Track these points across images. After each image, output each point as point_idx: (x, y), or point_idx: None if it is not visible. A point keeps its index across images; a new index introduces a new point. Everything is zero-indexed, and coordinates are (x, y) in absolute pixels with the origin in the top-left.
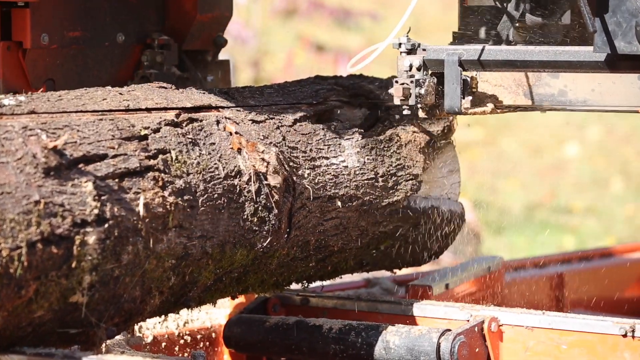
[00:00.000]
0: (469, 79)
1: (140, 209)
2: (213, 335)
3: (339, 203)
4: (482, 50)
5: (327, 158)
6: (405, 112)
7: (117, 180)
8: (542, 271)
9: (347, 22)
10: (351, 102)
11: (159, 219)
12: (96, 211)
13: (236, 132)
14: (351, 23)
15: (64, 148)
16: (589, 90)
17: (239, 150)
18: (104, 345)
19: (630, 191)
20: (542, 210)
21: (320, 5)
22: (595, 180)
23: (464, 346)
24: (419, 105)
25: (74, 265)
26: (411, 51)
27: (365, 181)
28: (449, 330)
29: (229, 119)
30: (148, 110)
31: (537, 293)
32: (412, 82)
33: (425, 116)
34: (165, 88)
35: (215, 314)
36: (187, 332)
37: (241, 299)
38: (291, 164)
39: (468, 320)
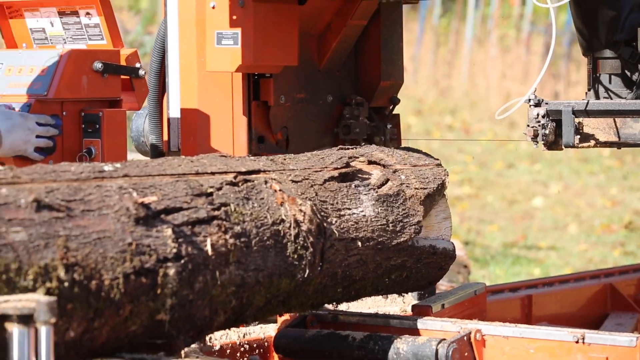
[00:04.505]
0: (576, 124)
1: (208, 249)
2: (266, 344)
3: (359, 243)
4: (588, 103)
5: (349, 209)
6: (535, 147)
7: (190, 226)
8: (515, 294)
9: None
10: (368, 166)
11: (222, 256)
12: (174, 250)
13: (280, 190)
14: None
15: (150, 203)
16: None
17: (282, 204)
18: (182, 352)
19: (583, 233)
20: (516, 248)
21: None
22: (556, 225)
23: (456, 352)
24: (542, 142)
25: (158, 291)
26: (537, 104)
27: (379, 226)
28: (445, 339)
29: (274, 179)
30: (212, 173)
31: (511, 311)
32: (539, 125)
33: (547, 149)
34: (225, 157)
35: (267, 328)
36: (246, 342)
37: (286, 316)
38: (322, 213)
39: (459, 332)
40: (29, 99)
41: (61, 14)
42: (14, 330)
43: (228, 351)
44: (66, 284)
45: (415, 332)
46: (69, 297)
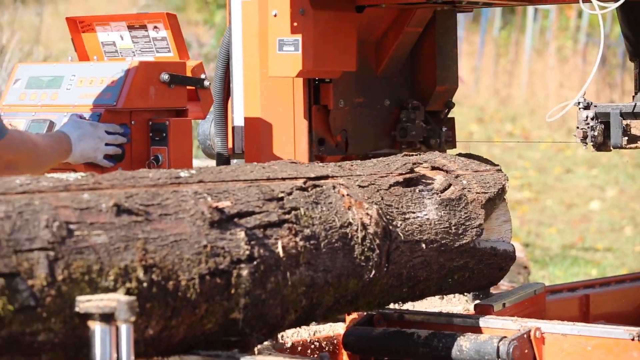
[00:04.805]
0: (624, 125)
1: (279, 251)
2: (335, 342)
3: (423, 245)
4: (635, 105)
5: (413, 212)
6: (584, 148)
7: (262, 229)
8: (573, 294)
9: None
10: (431, 172)
11: (293, 257)
12: (247, 252)
13: (347, 194)
14: None
15: (224, 207)
16: None
17: (350, 208)
18: (256, 349)
19: (638, 235)
20: (574, 249)
21: None
22: (612, 227)
23: (516, 349)
24: (591, 143)
25: (232, 291)
26: (587, 107)
27: (442, 229)
28: (505, 337)
29: (342, 184)
30: (283, 179)
31: (569, 310)
32: (588, 127)
33: (596, 151)
34: (295, 163)
35: (336, 326)
36: (316, 340)
37: (354, 315)
38: (388, 217)
39: (519, 330)
40: (99, 108)
41: (130, 28)
42: (96, 328)
43: (299, 348)
44: (145, 284)
45: (477, 330)
46: (147, 297)
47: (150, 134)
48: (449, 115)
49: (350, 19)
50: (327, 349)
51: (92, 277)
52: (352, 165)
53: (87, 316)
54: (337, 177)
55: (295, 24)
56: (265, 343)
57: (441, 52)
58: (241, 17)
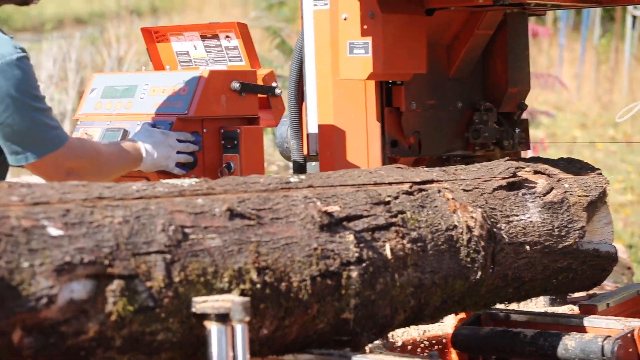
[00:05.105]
0: None
1: (387, 253)
2: (444, 341)
3: (528, 247)
4: None
5: (517, 215)
6: None
7: (370, 232)
8: None
9: (531, 121)
10: (533, 176)
11: (401, 259)
12: (357, 254)
13: (452, 198)
14: (534, 121)
15: (333, 211)
16: None
17: (455, 211)
18: (367, 348)
19: None
20: None
21: None
22: None
23: (620, 347)
24: None
25: (342, 292)
26: None
27: (546, 231)
28: (610, 336)
29: (446, 189)
30: (390, 183)
31: None
32: None
33: None
34: (401, 168)
35: (445, 326)
36: (425, 339)
37: (462, 315)
38: (492, 220)
39: (623, 329)
40: (171, 117)
41: (203, 37)
42: (213, 327)
43: (409, 347)
44: (258, 285)
45: (582, 329)
46: (261, 298)
47: (222, 142)
48: (521, 117)
49: (419, 21)
50: (436, 347)
51: (207, 279)
52: (456, 170)
53: (203, 316)
54: (441, 181)
55: (365, 27)
56: (376, 342)
57: (512, 54)
58: (313, 25)
